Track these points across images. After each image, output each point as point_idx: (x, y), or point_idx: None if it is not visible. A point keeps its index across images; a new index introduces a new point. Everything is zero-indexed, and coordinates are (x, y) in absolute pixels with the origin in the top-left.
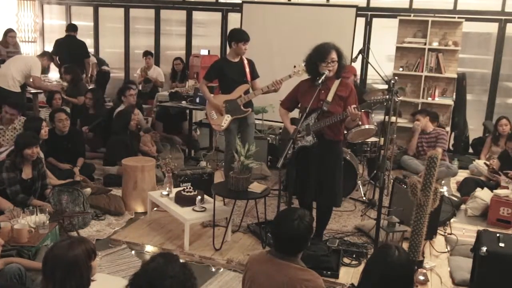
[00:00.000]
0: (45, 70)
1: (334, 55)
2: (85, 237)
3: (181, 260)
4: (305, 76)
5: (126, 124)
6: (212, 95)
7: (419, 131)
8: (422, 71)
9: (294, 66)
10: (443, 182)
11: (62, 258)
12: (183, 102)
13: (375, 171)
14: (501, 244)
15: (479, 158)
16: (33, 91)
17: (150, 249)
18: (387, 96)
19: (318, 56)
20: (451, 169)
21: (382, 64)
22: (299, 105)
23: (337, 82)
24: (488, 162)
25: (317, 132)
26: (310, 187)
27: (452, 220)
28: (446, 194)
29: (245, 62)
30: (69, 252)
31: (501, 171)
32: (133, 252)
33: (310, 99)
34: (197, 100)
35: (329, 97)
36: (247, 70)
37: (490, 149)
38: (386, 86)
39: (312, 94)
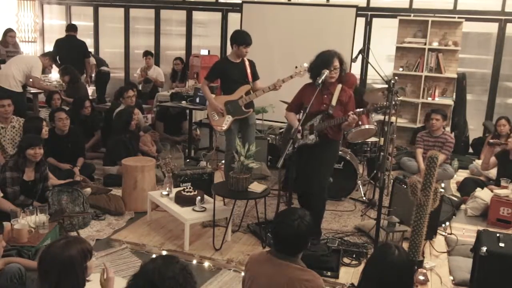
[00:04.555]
0: (46, 71)
1: (336, 63)
2: (82, 237)
3: (182, 263)
4: (306, 76)
5: (126, 124)
6: (213, 95)
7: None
8: (422, 71)
9: (296, 67)
10: (443, 184)
11: (57, 258)
12: (183, 102)
13: (375, 171)
14: (501, 244)
15: (479, 158)
16: (33, 91)
17: (150, 249)
18: (391, 101)
19: (323, 64)
20: (447, 171)
21: (382, 64)
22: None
23: (339, 87)
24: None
25: (320, 131)
26: None
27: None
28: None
29: (247, 63)
30: (64, 252)
31: (498, 171)
32: (133, 252)
33: (312, 99)
34: (197, 100)
35: (333, 102)
36: (248, 71)
37: None
38: (386, 86)
39: (314, 95)
